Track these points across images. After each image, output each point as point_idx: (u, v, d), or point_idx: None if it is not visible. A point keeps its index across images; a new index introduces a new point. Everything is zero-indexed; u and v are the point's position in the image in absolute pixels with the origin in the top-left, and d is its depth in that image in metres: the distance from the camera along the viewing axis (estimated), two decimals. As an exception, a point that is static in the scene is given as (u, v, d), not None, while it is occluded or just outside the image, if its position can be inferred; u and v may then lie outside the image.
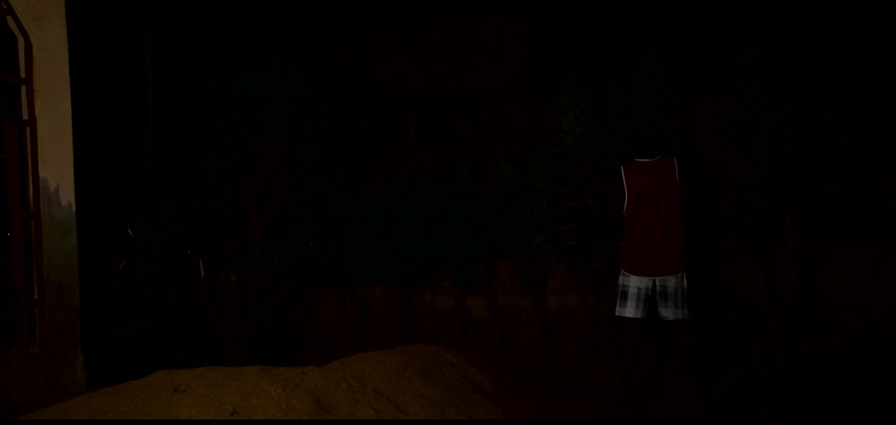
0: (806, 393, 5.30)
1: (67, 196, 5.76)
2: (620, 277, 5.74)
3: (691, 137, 6.48)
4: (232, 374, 4.41)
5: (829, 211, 5.91)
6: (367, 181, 7.44)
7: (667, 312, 5.64)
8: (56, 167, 5.71)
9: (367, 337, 7.36)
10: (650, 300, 5.67)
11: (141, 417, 4.12)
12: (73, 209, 5.77)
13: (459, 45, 7.88)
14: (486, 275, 7.15)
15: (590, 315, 6.68)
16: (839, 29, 6.60)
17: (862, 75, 6.14)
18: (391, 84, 8.09)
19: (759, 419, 5.38)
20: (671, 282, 5.61)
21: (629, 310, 5.68)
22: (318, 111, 7.23)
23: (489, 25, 7.76)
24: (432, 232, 7.01)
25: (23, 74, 5.63)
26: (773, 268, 6.08)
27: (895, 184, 6.06)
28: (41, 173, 5.66)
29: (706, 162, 6.39)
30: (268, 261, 6.83)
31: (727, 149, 6.11)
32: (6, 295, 5.58)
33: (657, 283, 5.63)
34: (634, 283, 5.66)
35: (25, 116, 5.64)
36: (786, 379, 5.37)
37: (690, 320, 5.69)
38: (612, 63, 6.77)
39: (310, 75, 7.28)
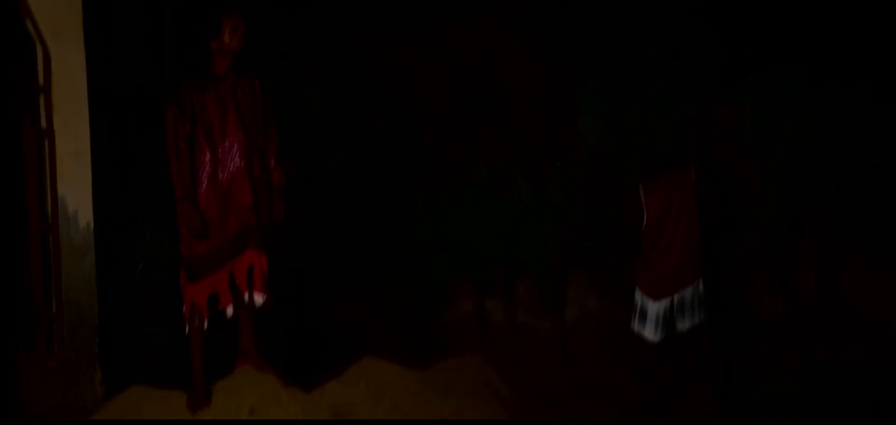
0: (824, 404, 5.26)
1: (86, 217, 5.76)
2: (638, 296, 5.70)
3: (710, 144, 6.45)
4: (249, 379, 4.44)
5: (848, 222, 5.88)
6: (382, 185, 7.42)
7: (684, 323, 5.61)
8: (74, 188, 5.71)
9: (385, 344, 7.32)
10: (669, 320, 5.63)
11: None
12: (91, 228, 5.77)
13: (476, 47, 7.83)
14: (503, 282, 7.11)
15: (610, 322, 6.64)
16: (861, 40, 6.55)
17: (882, 86, 6.10)
18: (406, 87, 8.04)
19: (768, 420, 5.35)
20: (688, 292, 5.58)
21: (649, 333, 5.64)
22: (331, 114, 7.23)
23: (506, 29, 7.72)
24: (450, 237, 7.00)
25: (41, 81, 5.64)
26: (791, 279, 6.04)
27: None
28: (60, 191, 5.67)
29: (725, 169, 6.36)
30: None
31: (745, 158, 6.08)
32: (25, 304, 5.57)
33: (675, 299, 5.60)
34: (653, 309, 5.62)
35: (44, 125, 5.65)
36: (804, 392, 5.34)
37: (707, 323, 5.66)
38: (632, 71, 6.75)
39: (324, 82, 7.27)
